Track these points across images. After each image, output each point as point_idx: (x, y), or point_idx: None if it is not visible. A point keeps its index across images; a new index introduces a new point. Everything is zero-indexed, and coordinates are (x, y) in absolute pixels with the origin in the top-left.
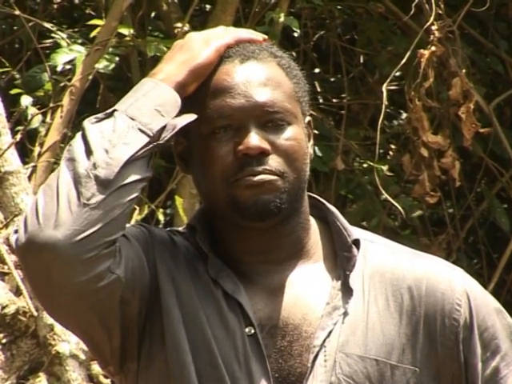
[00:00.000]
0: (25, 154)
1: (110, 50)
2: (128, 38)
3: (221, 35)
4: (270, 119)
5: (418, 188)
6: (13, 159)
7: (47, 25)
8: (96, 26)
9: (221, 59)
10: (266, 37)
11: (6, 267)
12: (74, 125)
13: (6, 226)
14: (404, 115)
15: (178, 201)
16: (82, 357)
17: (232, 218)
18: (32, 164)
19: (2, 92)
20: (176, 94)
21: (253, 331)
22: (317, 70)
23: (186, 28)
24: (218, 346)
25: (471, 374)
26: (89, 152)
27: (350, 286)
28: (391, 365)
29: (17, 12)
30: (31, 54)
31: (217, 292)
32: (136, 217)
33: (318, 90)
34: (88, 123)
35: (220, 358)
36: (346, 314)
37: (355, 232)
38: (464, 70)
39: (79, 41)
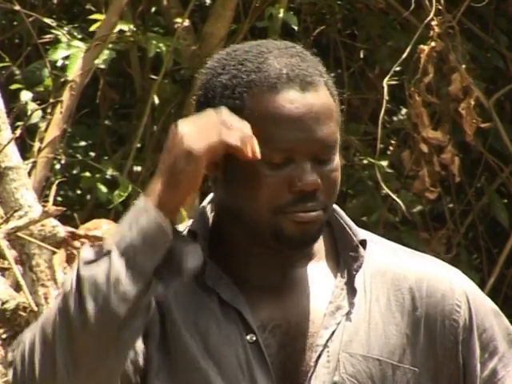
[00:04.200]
0: (25, 150)
1: (110, 45)
2: (128, 34)
3: (213, 137)
4: (325, 154)
5: (418, 184)
6: (13, 154)
7: (47, 20)
8: (96, 21)
9: (276, 81)
10: (257, 155)
11: (6, 262)
12: (74, 120)
13: (7, 221)
14: (404, 111)
15: None
16: None
17: (267, 242)
18: (32, 159)
19: (2, 87)
20: (167, 226)
21: (254, 338)
22: None
23: (186, 23)
24: (220, 357)
25: (469, 376)
26: (81, 307)
27: (354, 286)
28: (393, 365)
29: (17, 7)
30: (31, 50)
31: (213, 302)
32: None
33: None
34: (82, 264)
35: (222, 370)
36: (349, 313)
37: (361, 232)
38: (464, 66)
39: (79, 36)
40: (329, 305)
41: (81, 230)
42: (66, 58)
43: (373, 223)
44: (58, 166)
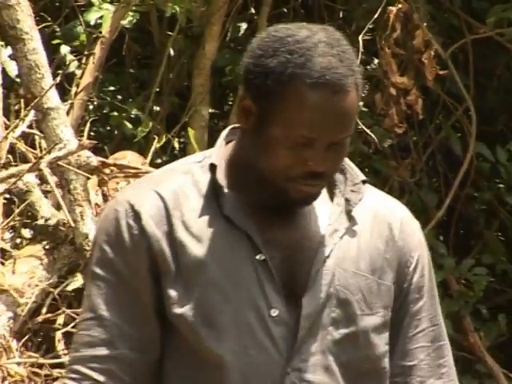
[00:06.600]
0: (64, 93)
1: (134, 7)
2: None
3: None
4: (340, 142)
5: (388, 121)
6: (53, 97)
7: None
8: None
9: (316, 80)
10: None
11: (48, 186)
12: (104, 69)
13: (49, 152)
14: (376, 61)
15: (191, 132)
16: None
17: (273, 195)
18: (70, 101)
19: (45, 42)
20: None
21: (263, 257)
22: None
23: None
24: (235, 276)
25: (404, 311)
26: None
27: (351, 214)
28: (377, 281)
29: None
30: (69, 11)
31: (226, 228)
32: (156, 145)
33: None
34: None
35: (237, 286)
36: (344, 236)
37: (360, 173)
38: (425, 24)
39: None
40: (328, 226)
41: (110, 160)
42: (99, 17)
43: (350, 154)
44: (91, 107)
